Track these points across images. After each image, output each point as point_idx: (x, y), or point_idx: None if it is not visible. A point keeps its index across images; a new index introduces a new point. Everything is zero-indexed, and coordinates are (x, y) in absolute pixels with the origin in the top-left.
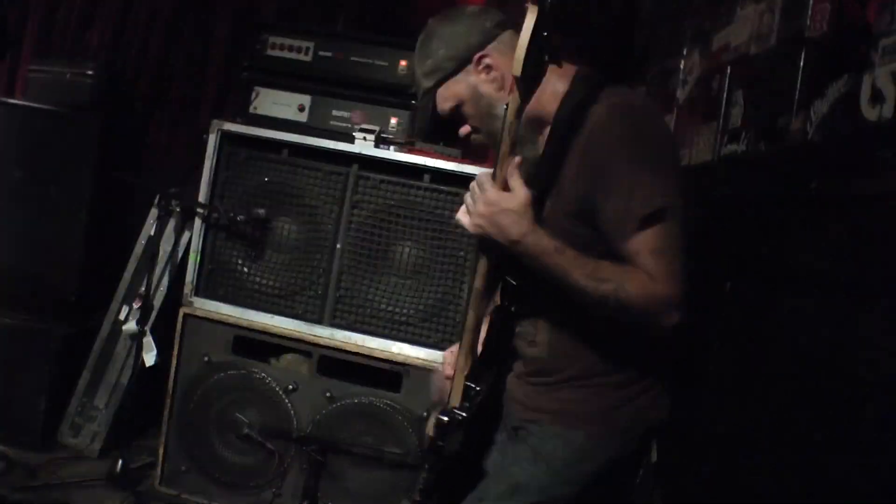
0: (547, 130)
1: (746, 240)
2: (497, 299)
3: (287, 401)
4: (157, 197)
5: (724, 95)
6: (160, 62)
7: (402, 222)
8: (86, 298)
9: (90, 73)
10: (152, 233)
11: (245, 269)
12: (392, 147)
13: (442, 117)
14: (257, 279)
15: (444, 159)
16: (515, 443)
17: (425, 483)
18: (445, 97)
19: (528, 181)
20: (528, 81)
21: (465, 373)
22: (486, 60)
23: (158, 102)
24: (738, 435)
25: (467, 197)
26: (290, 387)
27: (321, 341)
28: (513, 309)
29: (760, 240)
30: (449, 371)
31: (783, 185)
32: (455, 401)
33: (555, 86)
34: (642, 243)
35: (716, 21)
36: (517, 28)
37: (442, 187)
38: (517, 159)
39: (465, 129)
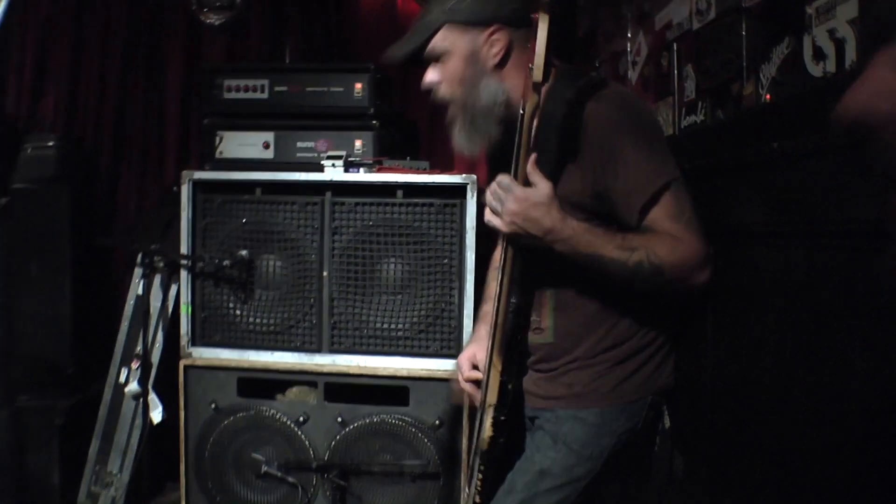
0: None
1: (719, 206)
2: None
3: (300, 432)
4: (140, 255)
5: (675, 71)
6: (117, 122)
7: (383, 240)
8: (83, 368)
9: (51, 144)
10: (140, 291)
11: (238, 312)
12: (362, 169)
13: (427, 53)
14: (251, 319)
15: (414, 173)
16: (534, 432)
17: (484, 482)
18: (444, 39)
19: (512, 173)
20: (537, 86)
21: (500, 369)
22: (499, 36)
23: (122, 161)
24: (740, 390)
25: (491, 200)
26: (301, 418)
27: (324, 369)
28: (526, 305)
29: (732, 203)
30: (469, 374)
31: (745, 148)
32: (493, 398)
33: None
34: (659, 212)
35: (654, 2)
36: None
37: (416, 200)
38: (534, 156)
39: (431, 76)
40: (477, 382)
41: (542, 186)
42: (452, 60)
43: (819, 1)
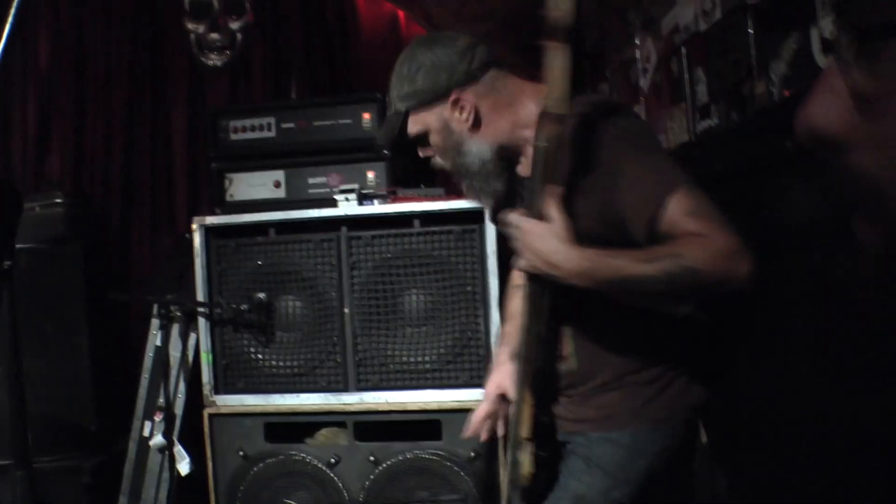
0: (529, 152)
1: (740, 209)
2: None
3: (333, 475)
4: (156, 306)
5: (686, 75)
6: (125, 173)
7: (403, 272)
8: (105, 425)
9: (59, 201)
10: (158, 342)
11: (260, 356)
12: (376, 201)
13: (410, 138)
14: (274, 363)
15: (429, 201)
16: (566, 457)
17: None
18: (415, 123)
19: (526, 202)
20: (559, 118)
21: (532, 403)
22: (463, 101)
23: (133, 213)
24: (773, 402)
25: (515, 240)
26: (333, 460)
27: (352, 408)
28: (552, 337)
29: (753, 206)
30: (492, 408)
31: (760, 149)
32: (525, 431)
33: (528, 107)
34: (675, 212)
35: (660, 6)
36: (500, 66)
37: (434, 228)
38: (555, 189)
39: (425, 151)
40: (496, 412)
41: (556, 220)
42: (433, 137)
43: None
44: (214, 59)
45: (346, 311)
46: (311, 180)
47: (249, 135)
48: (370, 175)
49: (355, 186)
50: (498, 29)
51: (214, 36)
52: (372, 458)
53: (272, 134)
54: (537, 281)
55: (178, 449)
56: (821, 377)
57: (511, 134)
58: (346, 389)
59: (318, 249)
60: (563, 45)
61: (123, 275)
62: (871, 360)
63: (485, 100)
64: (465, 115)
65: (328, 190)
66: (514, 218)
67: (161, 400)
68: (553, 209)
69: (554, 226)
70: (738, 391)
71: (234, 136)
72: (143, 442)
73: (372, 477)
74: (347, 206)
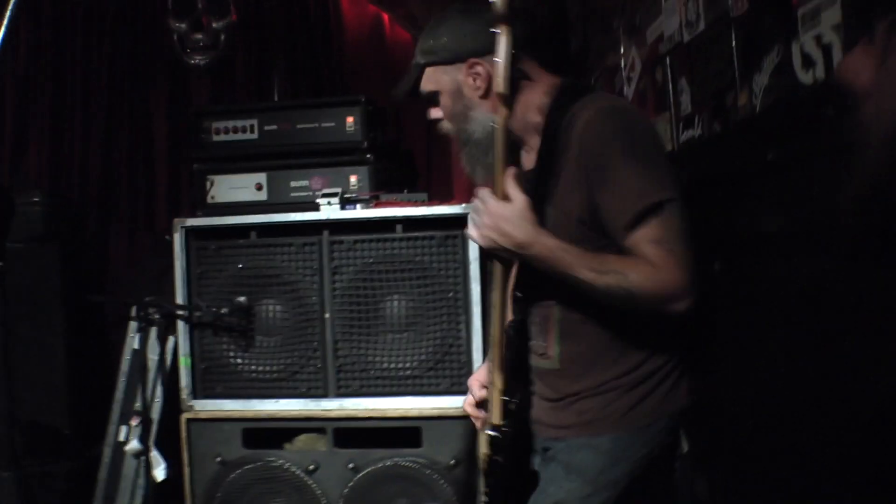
0: (535, 143)
1: (725, 219)
2: (509, 314)
3: (311, 482)
4: (134, 309)
5: (670, 85)
6: (104, 173)
7: (385, 277)
8: (80, 429)
9: (37, 200)
10: (136, 346)
11: (239, 360)
12: (358, 205)
13: (421, 94)
14: (254, 367)
15: (412, 206)
16: (546, 463)
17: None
18: (429, 80)
19: (527, 194)
20: (510, 97)
21: (500, 388)
22: (478, 68)
23: (111, 214)
24: (754, 407)
25: (472, 213)
26: (311, 467)
27: (332, 414)
28: (524, 322)
29: (737, 216)
30: (480, 394)
31: (743, 160)
32: (497, 418)
33: (539, 99)
34: (642, 235)
35: (645, 14)
36: (524, 49)
37: (416, 234)
38: (512, 170)
39: (434, 112)
40: (484, 404)
41: (518, 200)
42: (443, 98)
43: (804, 7)
44: (197, 59)
45: (327, 315)
46: (293, 183)
47: (232, 136)
48: (353, 179)
49: (338, 190)
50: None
51: (197, 35)
52: (351, 465)
53: (255, 136)
54: (494, 258)
55: (155, 454)
56: (799, 383)
57: (519, 116)
58: (325, 395)
59: (299, 253)
60: (505, 27)
61: (101, 276)
62: (851, 367)
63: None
64: (478, 82)
65: (310, 193)
66: (483, 193)
67: (138, 404)
68: (512, 189)
69: (511, 205)
70: (719, 398)
71: (216, 138)
72: (119, 447)
73: (351, 484)
74: (330, 210)
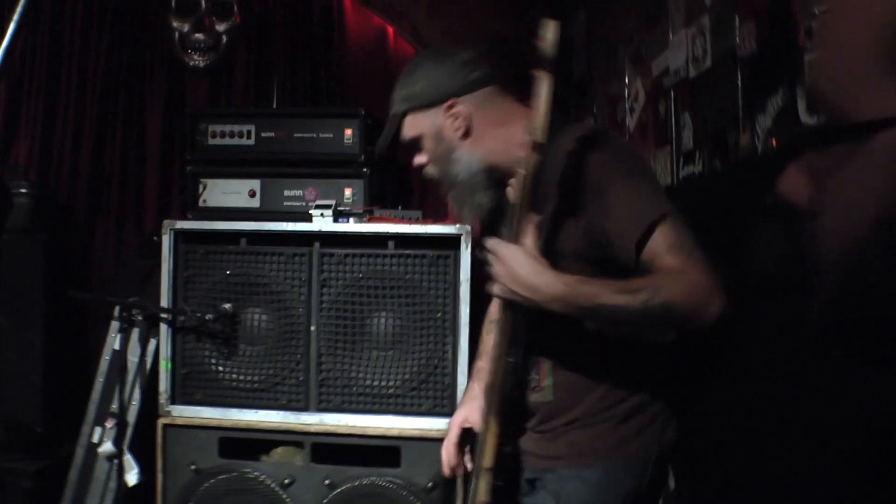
0: (519, 178)
1: (719, 258)
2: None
3: (286, 496)
4: (117, 308)
5: (673, 119)
6: (94, 168)
7: (373, 293)
8: (53, 427)
9: (24, 191)
10: (116, 346)
11: (221, 368)
12: (351, 219)
13: (405, 141)
14: (235, 376)
15: (406, 223)
16: (534, 494)
17: None
18: (410, 126)
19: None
20: (545, 146)
21: (497, 432)
22: (457, 109)
23: (99, 210)
24: (747, 448)
25: (491, 266)
26: (287, 481)
27: (311, 429)
28: (522, 365)
29: (732, 257)
30: (455, 437)
31: (741, 201)
32: (489, 461)
33: (521, 130)
34: (659, 244)
35: (651, 46)
36: (500, 85)
37: (408, 251)
38: (535, 217)
39: (418, 159)
40: (461, 444)
41: (528, 244)
42: (425, 142)
43: (812, 52)
44: (197, 60)
45: (313, 328)
46: (287, 192)
47: (228, 140)
48: (347, 192)
49: (332, 202)
50: (485, 50)
51: (199, 36)
52: (327, 482)
53: (251, 141)
54: (512, 308)
55: (128, 458)
56: (786, 423)
57: (503, 153)
58: (306, 409)
59: (288, 263)
60: (548, 74)
61: (85, 273)
62: (840, 407)
63: (479, 113)
64: (458, 123)
65: (304, 204)
66: (493, 243)
67: (114, 406)
68: (531, 236)
69: (531, 251)
70: (706, 435)
71: (211, 141)
72: (92, 448)
73: (326, 501)
74: (322, 222)
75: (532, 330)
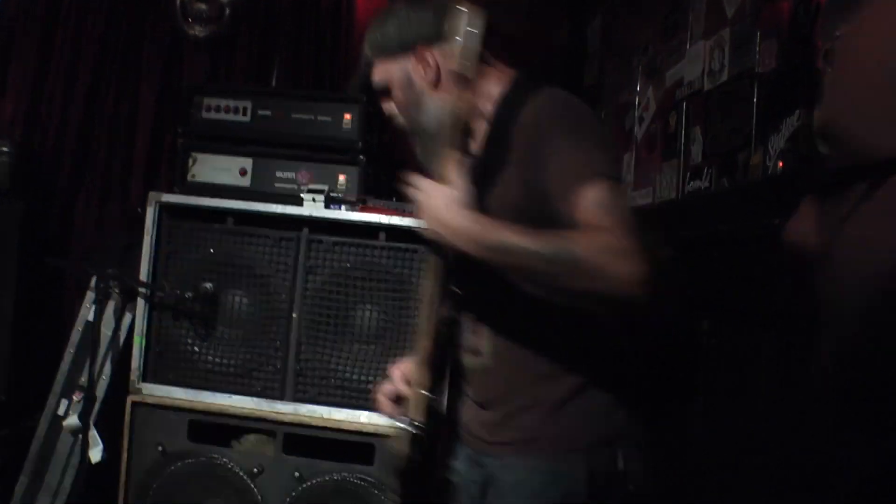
0: (481, 131)
1: (719, 278)
2: (442, 310)
3: (253, 485)
4: (94, 279)
5: (682, 132)
6: (82, 132)
7: (360, 285)
8: (18, 396)
9: (5, 150)
10: (90, 318)
11: (196, 349)
12: (343, 206)
13: (375, 88)
14: (210, 358)
15: (398, 215)
16: (472, 473)
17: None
18: (380, 72)
19: (469, 181)
20: (466, 82)
21: (424, 385)
22: (428, 56)
23: (83, 177)
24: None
25: (415, 201)
26: (256, 470)
27: (284, 418)
28: (457, 319)
29: (733, 277)
30: (400, 387)
31: (747, 221)
32: (416, 414)
33: (490, 88)
34: (588, 204)
35: (667, 57)
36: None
37: (399, 244)
38: (457, 156)
39: (387, 106)
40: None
41: (456, 186)
42: (395, 90)
43: (827, 80)
44: (198, 30)
45: (295, 315)
46: (279, 173)
47: (223, 115)
48: (341, 178)
49: (324, 188)
50: (496, 49)
51: (201, 6)
52: (297, 474)
53: (247, 119)
54: (440, 252)
55: (93, 434)
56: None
57: (469, 107)
58: (280, 398)
59: (275, 247)
60: (469, 5)
61: (63, 241)
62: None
63: (450, 62)
64: (428, 70)
65: (295, 186)
66: (417, 180)
67: (83, 379)
68: (453, 173)
69: (452, 189)
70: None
71: (205, 115)
72: (56, 421)
73: (294, 493)
74: (313, 207)
75: (474, 296)
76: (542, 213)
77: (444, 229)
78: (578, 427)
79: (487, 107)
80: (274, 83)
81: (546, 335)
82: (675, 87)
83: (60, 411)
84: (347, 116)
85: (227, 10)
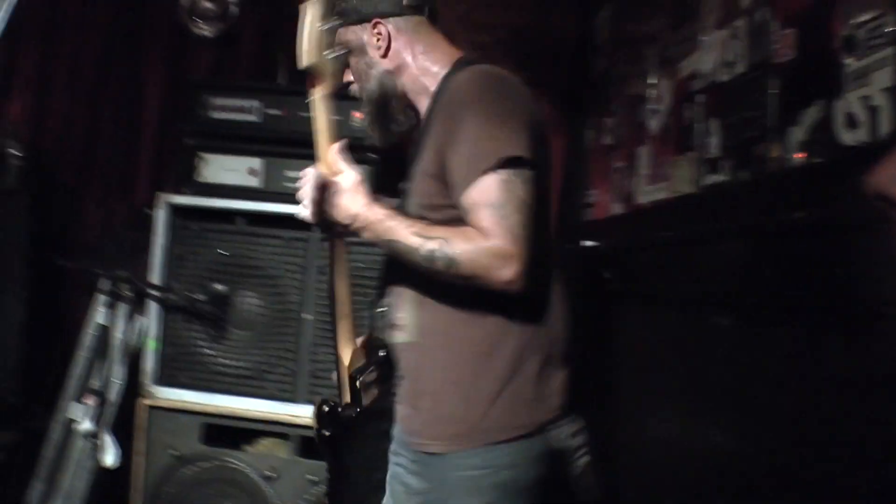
0: (423, 105)
1: (740, 273)
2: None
3: (267, 490)
4: (105, 281)
5: (699, 125)
6: (88, 131)
7: (372, 285)
8: (29, 400)
9: (14, 151)
10: (102, 321)
11: (209, 352)
12: None
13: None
14: (223, 361)
15: None
16: (399, 456)
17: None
18: (339, 37)
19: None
20: (318, 71)
21: (348, 364)
22: (381, 28)
23: (90, 177)
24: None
25: (300, 193)
26: (269, 474)
27: (298, 421)
28: (380, 297)
29: (754, 272)
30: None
31: (767, 214)
32: (347, 396)
33: (436, 67)
34: (480, 196)
35: (680, 47)
36: (432, 20)
37: None
38: (340, 143)
39: (347, 75)
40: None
41: (348, 174)
42: (351, 55)
43: (852, 66)
44: (204, 29)
45: (307, 317)
46: (289, 173)
47: (231, 115)
48: None
49: None
50: (502, 40)
51: (208, 4)
52: (312, 478)
53: (255, 118)
54: (329, 234)
55: (107, 438)
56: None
57: (412, 82)
58: (294, 400)
59: (286, 247)
60: (311, 3)
61: (69, 240)
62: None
63: (402, 36)
64: (380, 42)
65: None
66: (307, 172)
67: (96, 383)
68: (342, 163)
69: (348, 178)
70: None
71: (213, 114)
72: (69, 425)
73: (307, 497)
74: None
75: (393, 273)
76: (445, 191)
77: (340, 215)
78: (511, 414)
79: (432, 85)
80: (281, 81)
81: (468, 311)
82: (688, 78)
83: (73, 415)
84: (357, 115)
85: (234, 9)
